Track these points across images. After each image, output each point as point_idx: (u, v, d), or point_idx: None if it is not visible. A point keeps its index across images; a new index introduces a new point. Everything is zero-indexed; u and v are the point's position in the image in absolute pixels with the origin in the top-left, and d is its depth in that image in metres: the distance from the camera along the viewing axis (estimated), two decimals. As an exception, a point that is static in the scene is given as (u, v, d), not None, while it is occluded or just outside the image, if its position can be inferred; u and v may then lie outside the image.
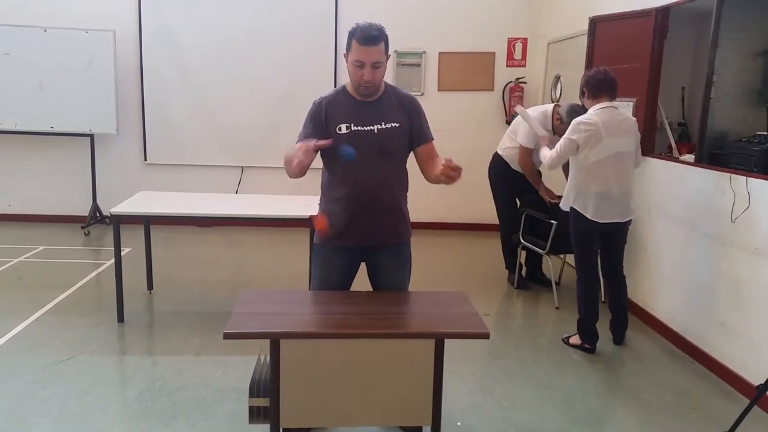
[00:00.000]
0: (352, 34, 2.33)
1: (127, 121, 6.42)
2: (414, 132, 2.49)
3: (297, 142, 2.45)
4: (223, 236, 6.31)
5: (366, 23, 2.33)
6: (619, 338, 3.79)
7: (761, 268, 3.09)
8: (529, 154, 4.55)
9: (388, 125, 2.41)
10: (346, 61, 2.39)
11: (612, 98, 3.52)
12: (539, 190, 4.64)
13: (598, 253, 3.72)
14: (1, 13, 6.09)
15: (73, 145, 6.43)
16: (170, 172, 6.52)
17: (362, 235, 2.47)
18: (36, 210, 6.56)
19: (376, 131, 2.40)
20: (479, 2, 6.42)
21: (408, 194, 2.63)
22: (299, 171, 2.30)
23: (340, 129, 2.40)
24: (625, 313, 3.80)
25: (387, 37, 2.35)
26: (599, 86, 3.50)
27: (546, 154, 3.69)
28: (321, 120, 2.43)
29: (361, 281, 2.66)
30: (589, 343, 3.67)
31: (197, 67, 6.38)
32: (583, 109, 4.31)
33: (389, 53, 2.40)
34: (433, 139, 2.54)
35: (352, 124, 2.40)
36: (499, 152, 4.82)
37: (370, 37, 2.29)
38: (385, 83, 2.48)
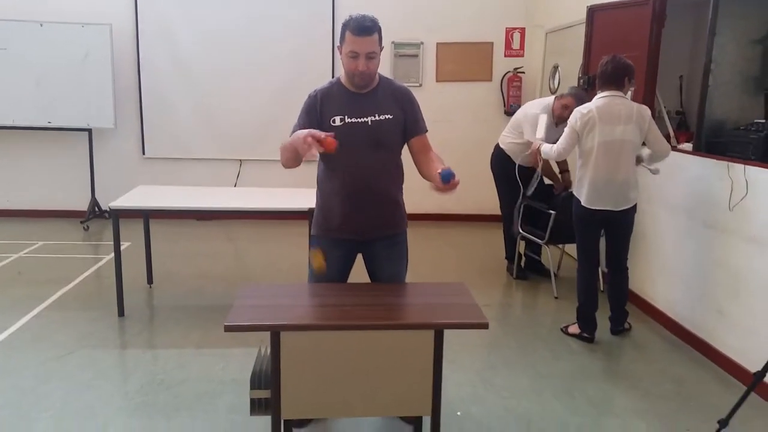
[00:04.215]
0: (345, 26, 2.32)
1: (124, 116, 6.40)
2: (408, 124, 2.49)
3: (291, 135, 2.45)
4: (222, 229, 6.32)
5: (359, 14, 2.32)
6: (615, 329, 3.79)
7: (758, 256, 3.10)
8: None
9: (382, 117, 2.41)
10: (340, 53, 2.38)
11: (617, 88, 3.47)
12: (555, 182, 4.66)
13: (598, 241, 3.71)
14: (-3, 8, 6.07)
15: (71, 139, 6.42)
16: (168, 166, 6.52)
17: (358, 227, 2.48)
18: (35, 205, 6.56)
19: (369, 123, 2.40)
20: (476, -8, 6.40)
21: (406, 186, 2.63)
22: (293, 161, 2.33)
23: (334, 121, 2.41)
24: (623, 305, 3.78)
25: (380, 28, 2.35)
26: (602, 78, 3.51)
27: (549, 146, 3.76)
28: (316, 112, 2.43)
29: (359, 273, 2.67)
30: (587, 332, 3.68)
31: (194, 61, 6.36)
32: (584, 91, 4.34)
33: (383, 44, 2.40)
34: (427, 131, 2.54)
35: (346, 116, 2.40)
36: (501, 145, 4.81)
37: (364, 27, 2.29)
38: (380, 75, 2.48)
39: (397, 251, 2.58)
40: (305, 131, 2.18)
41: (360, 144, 2.38)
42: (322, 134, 2.16)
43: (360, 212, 2.46)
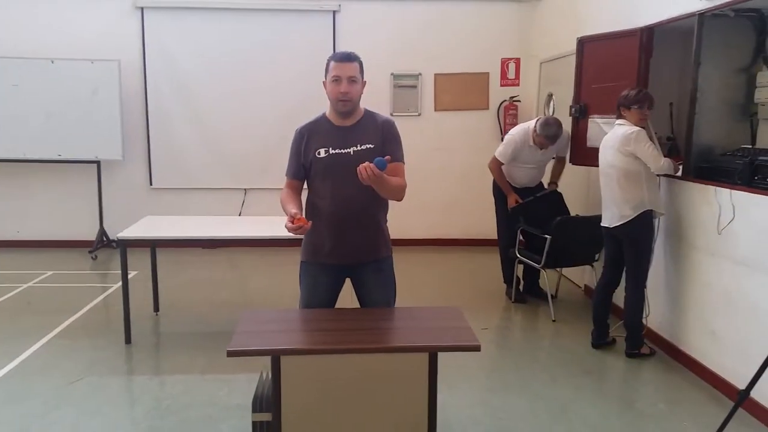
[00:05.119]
0: (329, 59, 2.56)
1: (132, 148, 6.58)
2: (386, 152, 2.56)
3: (287, 176, 2.66)
4: (227, 257, 6.43)
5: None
6: (626, 351, 3.85)
7: (746, 278, 3.18)
8: (498, 164, 4.85)
9: (363, 147, 2.55)
10: (325, 87, 2.56)
11: (620, 116, 3.79)
12: (508, 195, 4.87)
13: (612, 256, 3.92)
14: (10, 46, 6.28)
15: (80, 171, 6.59)
16: (175, 196, 6.67)
17: (343, 252, 2.61)
18: (44, 236, 6.70)
19: (351, 153, 2.54)
20: (472, 24, 6.60)
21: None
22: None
23: (319, 153, 2.57)
24: (628, 324, 3.85)
25: (362, 62, 2.56)
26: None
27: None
28: (301, 147, 2.61)
29: (346, 299, 2.76)
30: (593, 337, 4.02)
31: (200, 93, 6.56)
32: (555, 120, 4.66)
33: (364, 79, 2.58)
34: (402, 162, 2.63)
35: (330, 148, 2.56)
36: None
37: (346, 55, 2.54)
38: (365, 109, 2.64)
39: (384, 278, 2.69)
40: (287, 217, 2.42)
41: (344, 173, 2.50)
42: (291, 223, 2.39)
43: (345, 238, 2.59)
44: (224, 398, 3.28)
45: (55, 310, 4.62)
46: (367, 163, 2.30)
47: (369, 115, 2.65)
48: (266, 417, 2.36)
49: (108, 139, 6.32)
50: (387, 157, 2.36)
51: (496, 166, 4.85)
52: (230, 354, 2.20)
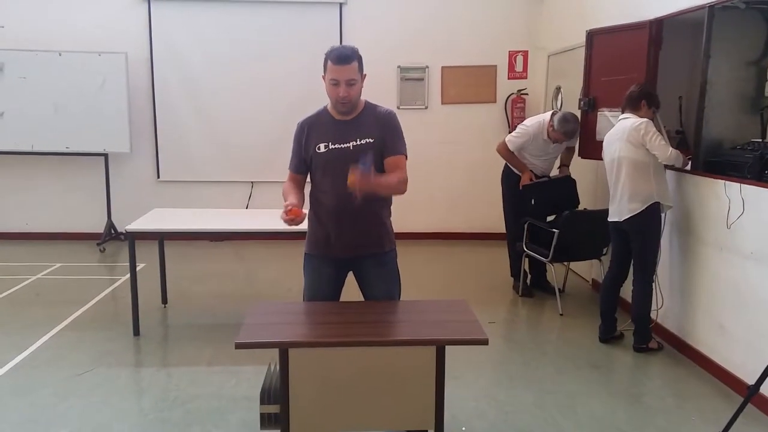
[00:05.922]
0: (327, 56, 2.49)
1: (140, 140, 6.59)
2: (386, 144, 2.57)
3: (289, 169, 2.68)
4: (234, 250, 6.45)
5: (340, 45, 2.51)
6: (635, 346, 3.84)
7: (756, 272, 3.16)
8: (507, 149, 4.83)
9: (363, 141, 2.54)
10: (324, 82, 2.53)
11: (628, 110, 3.78)
12: (522, 172, 4.84)
13: (620, 251, 3.91)
14: (18, 39, 6.29)
15: (88, 164, 6.61)
16: (182, 188, 6.68)
17: (344, 245, 2.61)
18: (53, 228, 6.73)
19: (351, 147, 2.53)
20: (480, 17, 6.56)
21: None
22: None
23: (319, 148, 2.57)
24: (636, 319, 3.83)
25: (360, 57, 2.51)
26: (625, 101, 3.84)
27: None
28: (302, 141, 2.62)
29: (352, 292, 2.77)
30: (600, 332, 3.99)
31: (207, 86, 6.56)
32: (573, 116, 4.62)
33: (364, 72, 2.55)
34: (403, 154, 2.60)
35: (330, 143, 2.56)
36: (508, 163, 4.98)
37: (343, 56, 2.46)
38: (366, 102, 2.62)
39: (387, 271, 2.69)
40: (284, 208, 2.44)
41: (344, 168, 2.47)
42: (285, 214, 2.43)
43: (347, 232, 2.59)
44: (232, 390, 3.30)
45: (64, 302, 4.65)
46: (354, 177, 2.28)
47: (369, 107, 2.63)
48: (274, 409, 2.36)
49: (116, 131, 6.33)
50: (368, 155, 2.35)
51: (504, 149, 4.85)
52: (239, 346, 2.21)
